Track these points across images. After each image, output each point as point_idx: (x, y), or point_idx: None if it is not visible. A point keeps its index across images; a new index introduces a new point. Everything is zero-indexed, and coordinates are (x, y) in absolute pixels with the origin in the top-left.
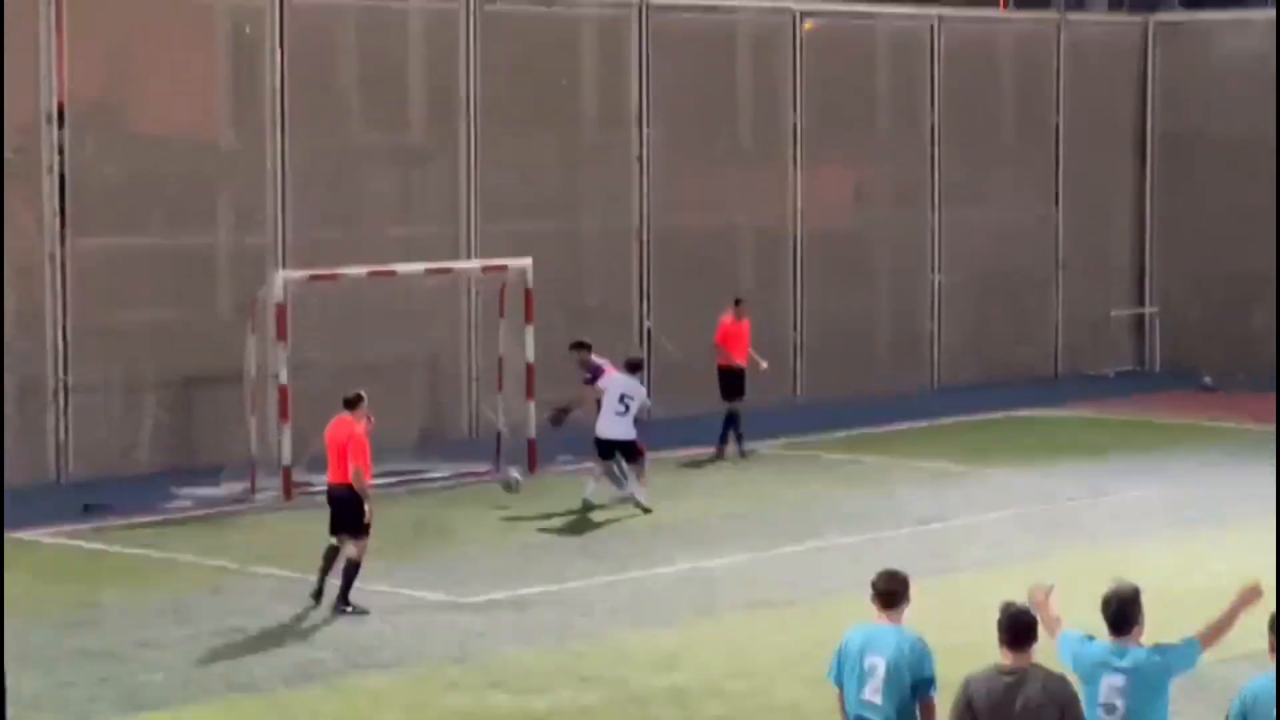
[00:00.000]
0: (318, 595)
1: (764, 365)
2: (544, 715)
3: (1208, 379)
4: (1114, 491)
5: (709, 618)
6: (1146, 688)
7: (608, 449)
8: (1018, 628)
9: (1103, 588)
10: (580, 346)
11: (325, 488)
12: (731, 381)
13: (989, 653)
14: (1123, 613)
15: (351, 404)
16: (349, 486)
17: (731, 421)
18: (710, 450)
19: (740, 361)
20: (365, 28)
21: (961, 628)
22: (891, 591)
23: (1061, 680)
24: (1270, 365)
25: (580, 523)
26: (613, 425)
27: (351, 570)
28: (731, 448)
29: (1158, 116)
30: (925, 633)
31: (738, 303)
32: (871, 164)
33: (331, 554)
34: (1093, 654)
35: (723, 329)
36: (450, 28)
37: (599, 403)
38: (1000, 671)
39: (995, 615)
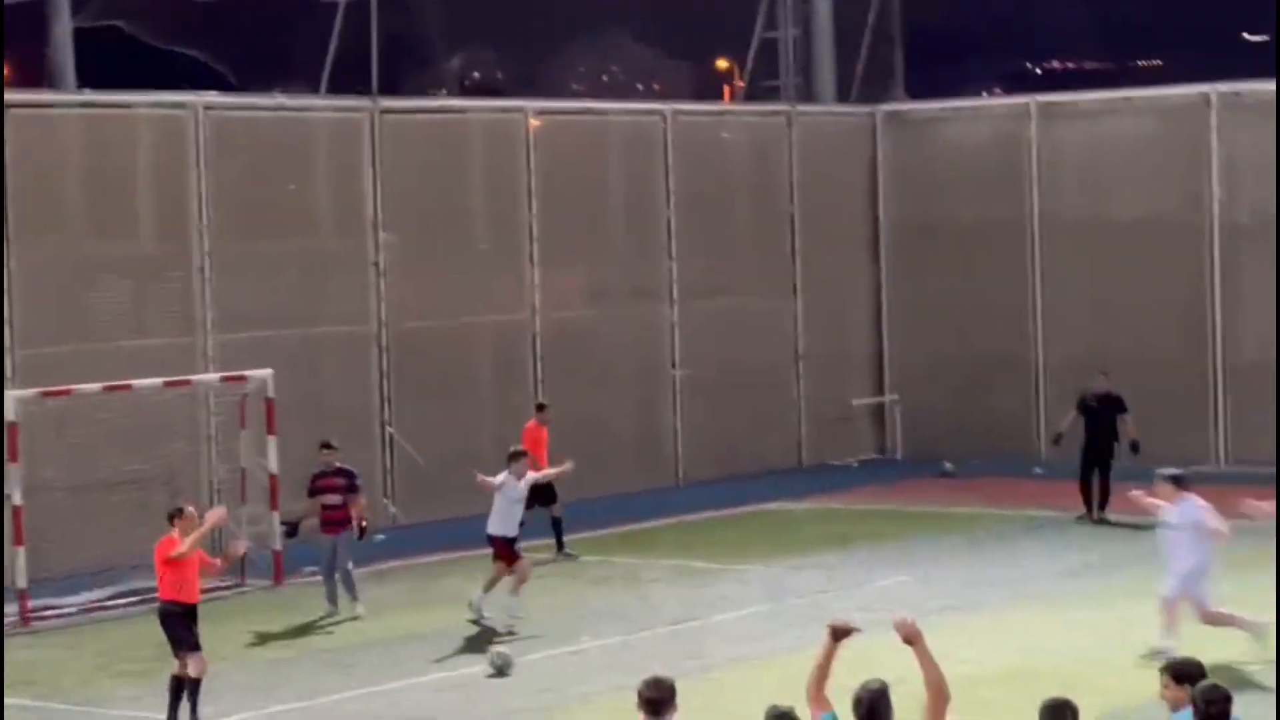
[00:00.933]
0: None
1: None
2: None
3: (948, 465)
4: (862, 582)
5: None
6: None
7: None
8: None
9: (854, 682)
10: (327, 447)
11: (70, 610)
12: (543, 486)
13: None
14: (873, 711)
15: (172, 518)
16: (180, 603)
17: (555, 525)
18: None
19: (545, 467)
20: (91, 135)
21: None
22: (657, 700)
23: None
24: (1007, 448)
25: (329, 635)
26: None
27: (196, 688)
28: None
29: (890, 205)
30: None
31: (540, 408)
32: (608, 260)
33: (177, 683)
34: None
35: (528, 434)
36: (180, 134)
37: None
38: None
39: (757, 714)
